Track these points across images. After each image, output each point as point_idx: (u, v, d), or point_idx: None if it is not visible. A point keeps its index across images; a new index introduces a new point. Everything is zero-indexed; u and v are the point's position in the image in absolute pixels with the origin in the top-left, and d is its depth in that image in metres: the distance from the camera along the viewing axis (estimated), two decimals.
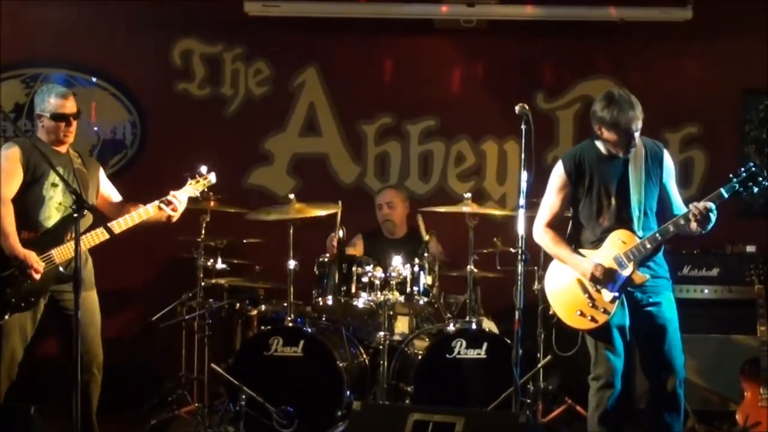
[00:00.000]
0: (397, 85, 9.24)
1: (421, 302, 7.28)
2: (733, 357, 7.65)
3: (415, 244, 7.60)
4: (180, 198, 6.49)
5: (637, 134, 5.78)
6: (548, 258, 7.57)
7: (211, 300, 7.70)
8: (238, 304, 7.89)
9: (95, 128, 9.05)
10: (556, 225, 6.04)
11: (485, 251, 7.69)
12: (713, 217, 5.61)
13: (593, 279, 5.79)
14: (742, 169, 5.65)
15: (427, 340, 7.39)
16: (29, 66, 9.01)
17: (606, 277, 5.76)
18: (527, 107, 5.66)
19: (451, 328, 7.28)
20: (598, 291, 5.81)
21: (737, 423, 7.25)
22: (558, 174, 6.00)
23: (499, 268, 7.61)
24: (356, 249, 8.18)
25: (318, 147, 9.22)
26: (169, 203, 6.43)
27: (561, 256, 5.98)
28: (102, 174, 6.70)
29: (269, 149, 9.19)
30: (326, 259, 7.35)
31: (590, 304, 5.83)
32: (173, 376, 8.10)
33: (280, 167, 9.18)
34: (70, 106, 6.42)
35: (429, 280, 7.28)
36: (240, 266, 8.16)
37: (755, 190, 5.64)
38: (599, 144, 5.93)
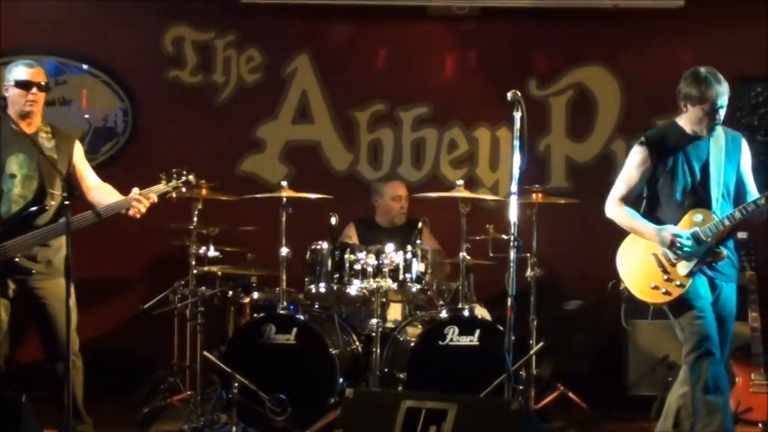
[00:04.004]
0: (390, 72, 9.22)
1: (414, 289, 7.29)
2: None
3: (411, 233, 7.61)
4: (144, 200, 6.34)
5: (722, 111, 5.82)
6: (541, 245, 7.65)
7: (203, 288, 7.65)
8: (230, 292, 7.88)
9: (86, 116, 9.00)
10: (631, 201, 6.03)
11: (478, 238, 7.69)
12: None
13: (672, 245, 5.78)
14: None
15: (419, 327, 7.39)
16: (19, 53, 8.91)
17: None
18: (519, 94, 5.65)
19: (443, 315, 7.29)
20: (673, 265, 5.81)
21: None
22: (640, 150, 5.99)
23: (491, 255, 7.60)
24: (350, 239, 8.16)
25: (310, 134, 9.20)
26: (138, 201, 6.28)
27: (636, 228, 5.95)
28: (77, 152, 6.47)
29: (261, 137, 9.16)
30: (319, 247, 7.34)
31: (665, 278, 5.82)
32: (165, 364, 8.11)
33: (272, 155, 9.15)
34: (36, 75, 6.26)
35: (422, 267, 7.29)
36: (232, 254, 8.14)
37: None
38: (683, 124, 5.95)
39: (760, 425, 7.03)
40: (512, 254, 5.62)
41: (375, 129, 9.20)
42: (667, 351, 7.83)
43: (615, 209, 6.01)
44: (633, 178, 6.00)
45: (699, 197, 5.86)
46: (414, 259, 7.25)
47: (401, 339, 7.36)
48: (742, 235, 7.87)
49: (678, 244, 5.75)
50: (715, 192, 5.83)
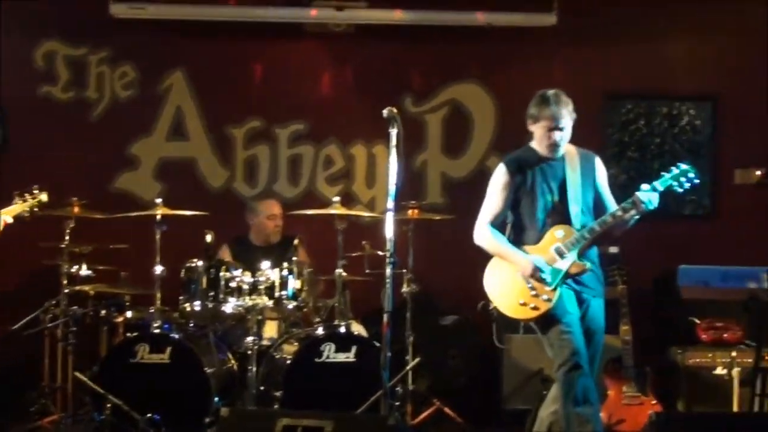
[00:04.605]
0: (266, 88, 9.20)
1: (290, 306, 7.28)
2: None
3: (286, 250, 7.58)
4: None
5: (559, 132, 5.94)
6: (417, 261, 7.68)
7: (75, 307, 7.53)
8: (103, 311, 7.73)
9: None
10: (497, 225, 6.08)
11: (354, 255, 7.69)
12: (656, 202, 5.82)
13: (532, 276, 5.84)
14: (675, 166, 5.92)
15: (296, 344, 7.36)
16: None
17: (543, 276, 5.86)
18: (395, 111, 5.67)
19: (320, 332, 7.28)
20: (539, 281, 5.86)
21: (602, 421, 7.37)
22: (501, 173, 6.07)
23: (367, 271, 7.63)
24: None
25: (185, 151, 9.12)
26: None
27: (503, 254, 6.00)
28: None
29: (135, 153, 9.05)
30: (194, 264, 7.27)
31: (532, 294, 5.86)
32: (36, 385, 7.91)
33: (147, 172, 9.05)
34: None
35: (298, 284, 7.27)
36: (105, 272, 7.99)
37: (686, 186, 5.88)
38: (535, 146, 6.06)
39: None
40: (388, 270, 5.62)
41: (251, 146, 9.16)
42: (542, 364, 7.89)
43: (483, 235, 6.08)
44: (498, 201, 6.08)
45: (559, 214, 5.96)
46: (290, 277, 7.24)
47: (277, 356, 7.33)
48: (613, 249, 8.09)
49: (538, 276, 5.84)
50: (575, 208, 5.94)
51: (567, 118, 5.94)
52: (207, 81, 9.13)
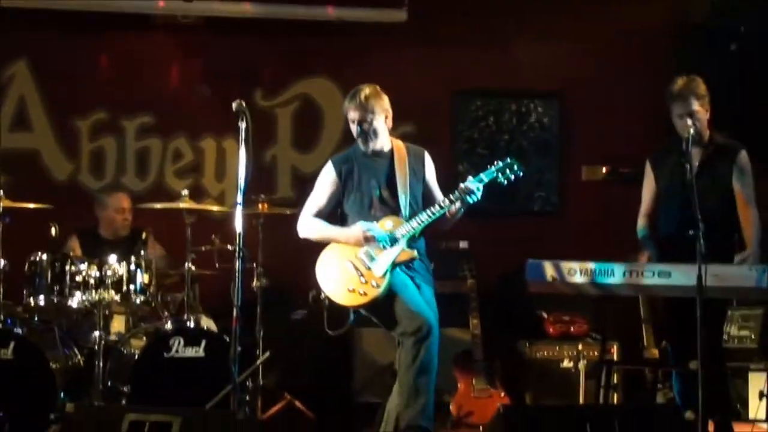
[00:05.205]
0: (113, 80, 9.06)
1: (138, 301, 7.19)
2: (447, 349, 7.81)
3: (135, 244, 7.50)
4: None
5: (357, 126, 6.05)
6: (267, 255, 7.65)
7: None
8: None
9: None
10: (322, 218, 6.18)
11: (203, 249, 7.63)
12: (479, 194, 5.92)
13: (367, 240, 5.93)
14: (501, 160, 6.07)
15: (144, 339, 7.29)
16: None
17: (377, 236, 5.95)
18: (244, 104, 5.65)
19: (168, 326, 7.22)
20: (369, 268, 5.91)
21: (451, 413, 7.46)
22: (327, 170, 6.21)
23: (217, 265, 7.58)
24: (73, 251, 7.92)
25: (28, 142, 8.94)
26: None
27: (331, 235, 6.09)
28: None
29: None
30: (37, 258, 7.11)
31: (362, 281, 5.91)
32: None
33: None
34: None
35: (146, 278, 7.19)
36: None
37: (511, 177, 6.02)
38: (359, 144, 6.16)
39: (480, 428, 7.25)
40: (238, 264, 5.60)
41: (97, 138, 9.01)
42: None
43: (306, 225, 6.20)
44: (322, 196, 6.20)
45: (389, 207, 6.08)
46: (138, 270, 7.16)
47: (125, 351, 7.25)
48: (463, 244, 8.21)
49: (370, 235, 5.94)
50: (404, 202, 6.05)
51: (372, 112, 6.06)
52: (52, 71, 8.95)
